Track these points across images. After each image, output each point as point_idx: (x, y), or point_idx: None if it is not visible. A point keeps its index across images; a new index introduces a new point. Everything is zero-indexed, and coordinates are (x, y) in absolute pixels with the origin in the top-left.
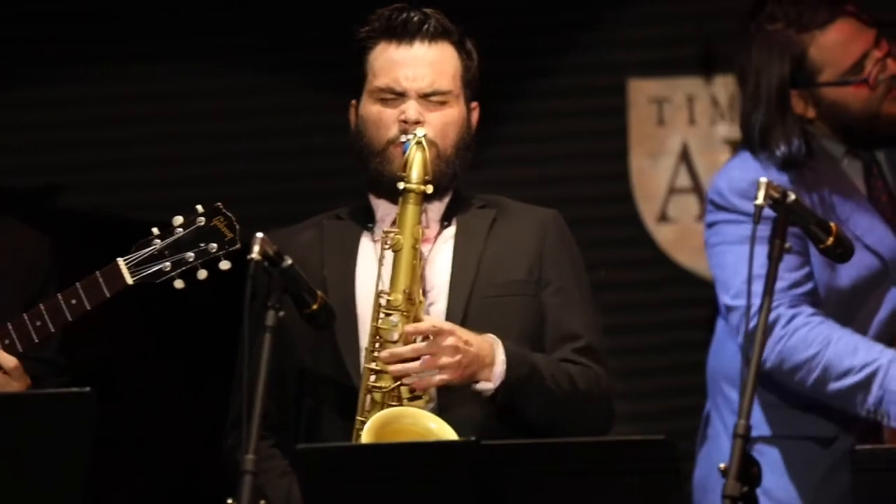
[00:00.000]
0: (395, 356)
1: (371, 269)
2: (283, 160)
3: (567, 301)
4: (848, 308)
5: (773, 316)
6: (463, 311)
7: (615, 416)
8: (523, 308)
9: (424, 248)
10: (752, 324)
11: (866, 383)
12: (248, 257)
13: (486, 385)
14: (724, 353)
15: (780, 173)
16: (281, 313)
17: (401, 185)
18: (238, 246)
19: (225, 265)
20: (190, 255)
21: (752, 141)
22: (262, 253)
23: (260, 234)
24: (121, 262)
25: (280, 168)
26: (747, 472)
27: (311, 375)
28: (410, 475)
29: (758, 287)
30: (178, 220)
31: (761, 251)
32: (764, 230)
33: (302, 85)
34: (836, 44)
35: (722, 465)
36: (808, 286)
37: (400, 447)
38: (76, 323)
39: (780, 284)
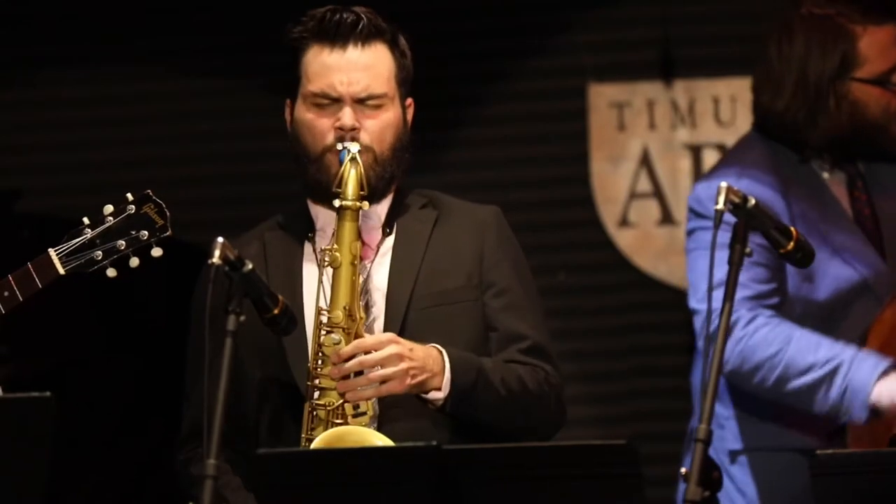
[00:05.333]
0: (341, 372)
1: (314, 284)
2: (235, 164)
3: (510, 302)
4: (829, 321)
5: (732, 318)
6: (401, 324)
7: (567, 416)
8: (465, 315)
9: (366, 261)
10: (712, 327)
11: (829, 378)
12: (209, 262)
13: (437, 394)
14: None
15: (764, 187)
16: (242, 318)
17: (337, 203)
18: (169, 232)
19: (157, 252)
20: (121, 242)
21: (787, 128)
22: (223, 257)
23: (220, 239)
24: (52, 252)
25: (232, 171)
26: (708, 476)
27: (264, 389)
28: (370, 480)
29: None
30: (109, 208)
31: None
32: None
33: (251, 88)
34: (883, 43)
35: (683, 470)
36: (773, 300)
37: (360, 452)
38: (24, 322)
39: (744, 293)
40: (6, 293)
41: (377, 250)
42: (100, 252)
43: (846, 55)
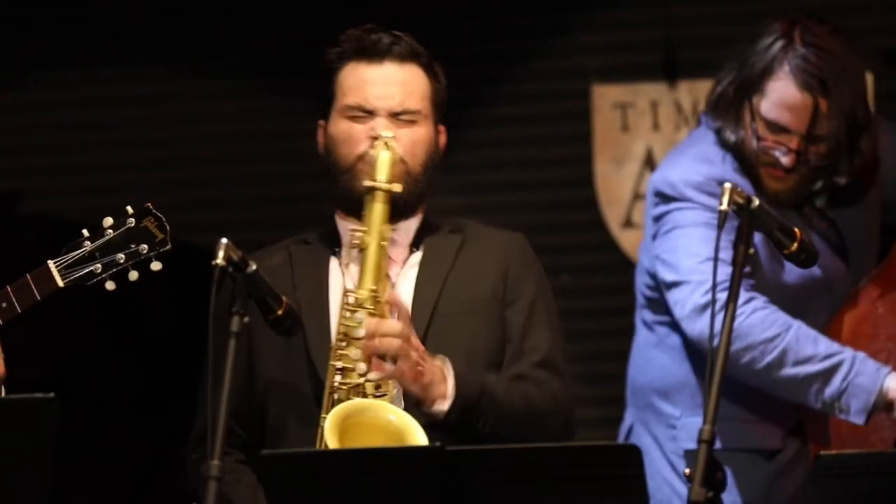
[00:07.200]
0: (368, 349)
1: (341, 288)
2: (238, 165)
3: (528, 317)
4: (792, 312)
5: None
6: (424, 330)
7: (575, 426)
8: (485, 326)
9: (392, 273)
10: (705, 299)
11: (828, 373)
12: (213, 263)
13: (441, 406)
14: (651, 365)
15: (735, 174)
16: (245, 319)
17: (368, 183)
18: (169, 247)
19: (156, 266)
20: (120, 256)
21: (710, 106)
22: (227, 258)
23: (224, 240)
24: (51, 264)
25: (235, 173)
26: (712, 477)
27: (283, 389)
28: (376, 481)
29: (710, 269)
30: (108, 221)
31: (712, 235)
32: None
33: (252, 89)
34: (789, 102)
35: (687, 471)
36: (751, 281)
37: (365, 452)
38: (27, 324)
39: (731, 270)
40: (4, 304)
41: (403, 264)
42: (99, 265)
43: (765, 70)
